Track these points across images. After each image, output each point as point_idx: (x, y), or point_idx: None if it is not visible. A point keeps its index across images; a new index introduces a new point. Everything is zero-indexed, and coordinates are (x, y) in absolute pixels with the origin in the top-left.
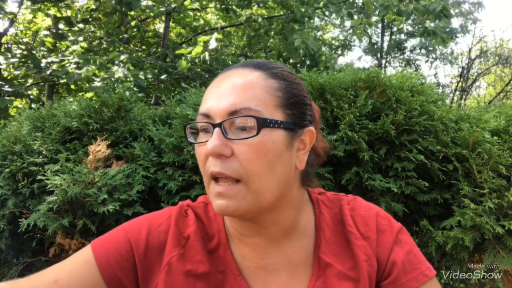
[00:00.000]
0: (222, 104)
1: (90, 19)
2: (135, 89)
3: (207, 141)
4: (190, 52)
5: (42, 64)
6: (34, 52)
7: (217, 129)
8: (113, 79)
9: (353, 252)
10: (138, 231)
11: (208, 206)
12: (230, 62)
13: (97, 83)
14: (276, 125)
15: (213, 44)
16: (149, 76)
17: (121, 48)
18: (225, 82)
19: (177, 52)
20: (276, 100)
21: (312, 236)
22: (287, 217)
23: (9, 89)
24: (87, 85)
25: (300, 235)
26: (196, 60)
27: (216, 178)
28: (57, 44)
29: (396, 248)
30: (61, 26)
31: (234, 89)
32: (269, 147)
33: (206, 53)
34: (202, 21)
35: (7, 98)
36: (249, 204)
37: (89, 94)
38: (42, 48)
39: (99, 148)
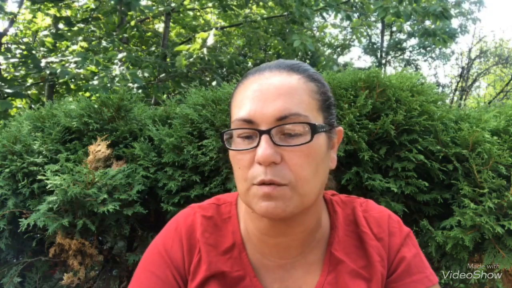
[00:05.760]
0: (268, 109)
1: (89, 19)
2: (132, 86)
3: (252, 148)
4: (188, 49)
5: (42, 64)
6: (34, 52)
7: (266, 136)
8: (110, 77)
9: (367, 252)
10: (160, 266)
11: (220, 207)
12: (228, 60)
13: (95, 82)
14: (322, 130)
15: (210, 41)
16: (147, 74)
17: (121, 48)
18: (264, 84)
19: (176, 49)
20: (317, 104)
21: (327, 234)
22: (314, 217)
23: (9, 90)
24: (85, 83)
25: (318, 234)
26: (194, 56)
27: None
28: (57, 44)
29: (403, 249)
30: (60, 26)
31: (279, 94)
32: (317, 152)
33: (205, 50)
34: (201, 21)
35: (8, 101)
36: (295, 205)
37: (88, 93)
38: (42, 48)
39: (99, 148)
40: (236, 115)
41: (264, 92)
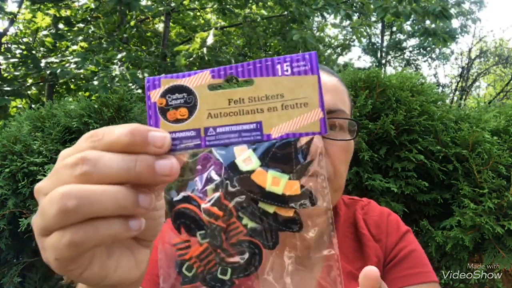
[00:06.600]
0: None
1: (89, 19)
2: (132, 86)
3: None
4: (188, 49)
5: (42, 64)
6: (34, 52)
7: None
8: (110, 77)
9: (365, 253)
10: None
11: None
12: (228, 60)
13: (95, 82)
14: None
15: (210, 41)
16: (147, 74)
17: (121, 48)
18: None
19: (176, 49)
20: (350, 107)
21: None
22: None
23: (9, 88)
24: (85, 83)
25: None
26: (194, 56)
27: None
28: (57, 44)
29: (398, 246)
30: (60, 26)
31: (326, 89)
32: (351, 151)
33: (204, 50)
34: (201, 21)
35: (6, 97)
36: (331, 201)
37: (88, 93)
38: (42, 48)
39: None
40: None
41: None
